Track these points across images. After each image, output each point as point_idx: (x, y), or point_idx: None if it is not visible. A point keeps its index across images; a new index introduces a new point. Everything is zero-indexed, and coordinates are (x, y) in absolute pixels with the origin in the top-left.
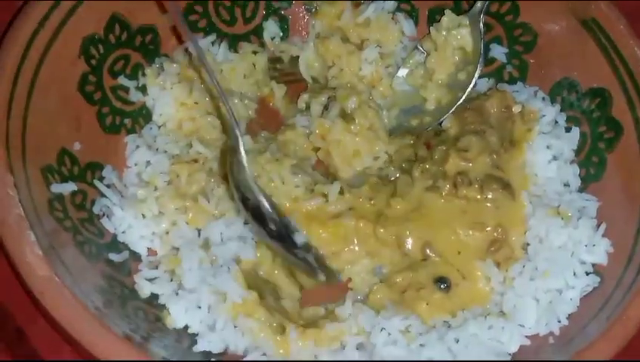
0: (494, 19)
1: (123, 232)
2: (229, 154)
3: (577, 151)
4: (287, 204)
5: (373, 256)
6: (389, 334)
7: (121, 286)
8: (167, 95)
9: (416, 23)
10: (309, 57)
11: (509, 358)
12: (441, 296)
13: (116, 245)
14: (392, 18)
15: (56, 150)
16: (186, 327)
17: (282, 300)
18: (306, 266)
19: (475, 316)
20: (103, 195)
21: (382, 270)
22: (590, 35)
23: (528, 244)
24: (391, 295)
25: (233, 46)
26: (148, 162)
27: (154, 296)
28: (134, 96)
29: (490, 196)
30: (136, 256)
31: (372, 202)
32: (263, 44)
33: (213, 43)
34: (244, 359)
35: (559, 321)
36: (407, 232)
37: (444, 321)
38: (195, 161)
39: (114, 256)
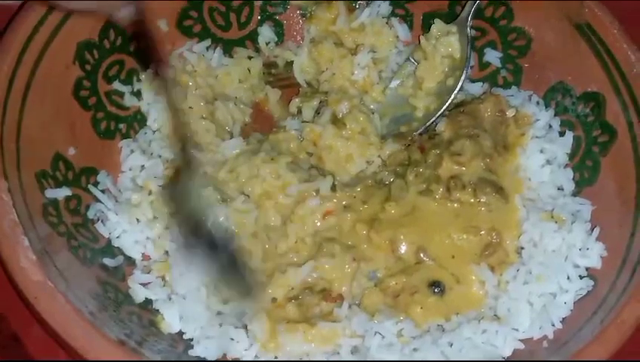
0: (488, 23)
1: (117, 237)
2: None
3: (571, 155)
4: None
5: (367, 259)
6: (383, 337)
7: (115, 291)
8: (161, 100)
9: (410, 28)
10: (304, 62)
11: None
12: (435, 300)
13: (110, 250)
14: (387, 23)
15: (50, 155)
16: (181, 332)
17: None
18: (241, 287)
19: (469, 320)
20: (97, 200)
21: (376, 274)
22: (584, 40)
23: (522, 248)
24: (385, 299)
25: (228, 51)
26: (142, 167)
27: (148, 301)
28: (129, 101)
29: (483, 200)
30: (130, 261)
31: (365, 206)
32: (257, 49)
33: (208, 48)
34: (243, 359)
35: (553, 325)
36: (401, 236)
37: (438, 325)
38: None
39: (108, 261)
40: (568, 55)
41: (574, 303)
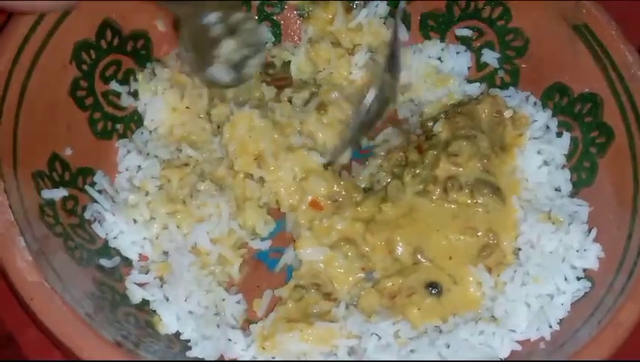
0: (486, 24)
1: (114, 238)
2: None
3: (569, 156)
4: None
5: (365, 260)
6: (380, 338)
7: (112, 291)
8: (158, 100)
9: (408, 28)
10: (301, 62)
11: None
12: (432, 301)
13: (107, 251)
14: (384, 23)
15: (47, 155)
16: (178, 333)
17: None
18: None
19: (466, 321)
20: (94, 201)
21: (373, 275)
22: (582, 41)
23: (519, 249)
24: (381, 300)
25: None
26: (139, 167)
27: (145, 302)
28: (126, 101)
29: (480, 201)
30: (127, 262)
31: (358, 209)
32: None
33: None
34: (242, 359)
35: (550, 326)
36: (398, 237)
37: (435, 326)
38: (186, 165)
39: (105, 262)
40: (566, 56)
41: (571, 304)
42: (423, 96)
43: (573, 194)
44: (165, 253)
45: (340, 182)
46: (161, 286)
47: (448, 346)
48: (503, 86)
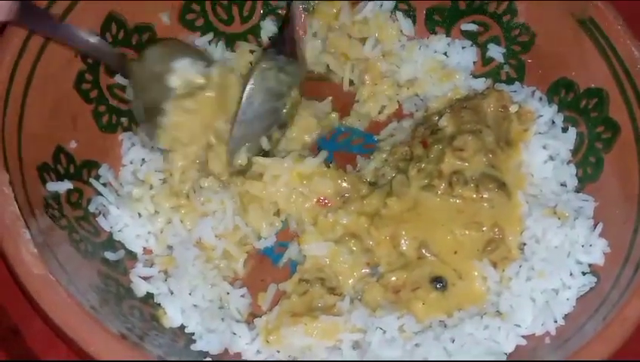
0: (492, 19)
1: (119, 231)
2: None
3: (574, 152)
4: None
5: (370, 255)
6: (384, 332)
7: (116, 284)
8: None
9: (414, 23)
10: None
11: (505, 358)
12: (437, 296)
13: (112, 244)
14: (391, 16)
15: (52, 148)
16: (183, 327)
17: None
18: None
19: (471, 316)
20: (98, 194)
21: (378, 269)
22: (588, 36)
23: (525, 244)
24: (386, 294)
25: (230, 45)
26: (143, 160)
27: (150, 295)
28: (131, 94)
29: (486, 196)
30: (131, 255)
31: (364, 202)
32: (260, 44)
33: (210, 42)
34: (244, 359)
35: (556, 321)
36: (403, 232)
37: (440, 321)
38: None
39: (109, 255)
40: (572, 51)
41: (577, 300)
42: (429, 91)
43: (578, 189)
44: (170, 247)
45: (344, 178)
46: (166, 280)
47: (453, 341)
48: (509, 81)
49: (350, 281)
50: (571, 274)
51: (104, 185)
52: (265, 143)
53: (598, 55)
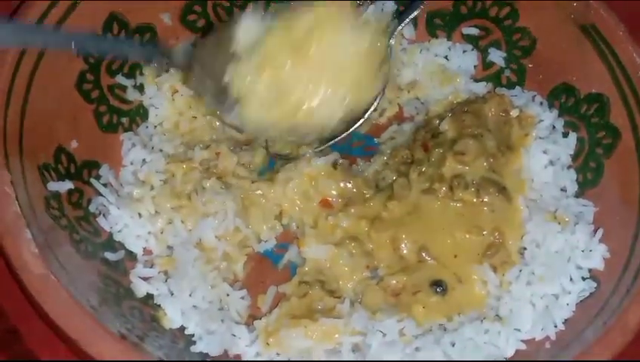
0: (493, 23)
1: (119, 231)
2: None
3: (575, 157)
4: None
5: (370, 258)
6: (384, 336)
7: (116, 285)
8: (164, 94)
9: (415, 27)
10: None
11: None
12: (437, 300)
13: (112, 244)
14: (392, 20)
15: (53, 148)
16: (183, 328)
17: None
18: None
19: (471, 320)
20: (99, 194)
21: (378, 272)
22: (589, 41)
23: (525, 249)
24: (386, 297)
25: None
26: (144, 161)
27: (149, 296)
28: (132, 95)
29: (486, 200)
30: (132, 256)
31: (369, 204)
32: None
33: None
34: (243, 361)
35: (555, 326)
36: (403, 235)
37: (440, 325)
38: (191, 159)
39: (110, 255)
40: (573, 56)
41: (577, 305)
42: (429, 95)
43: (578, 195)
44: (170, 248)
45: (350, 180)
46: (166, 281)
47: (453, 345)
48: (510, 85)
49: (350, 284)
50: (571, 279)
51: (105, 185)
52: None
53: (599, 60)
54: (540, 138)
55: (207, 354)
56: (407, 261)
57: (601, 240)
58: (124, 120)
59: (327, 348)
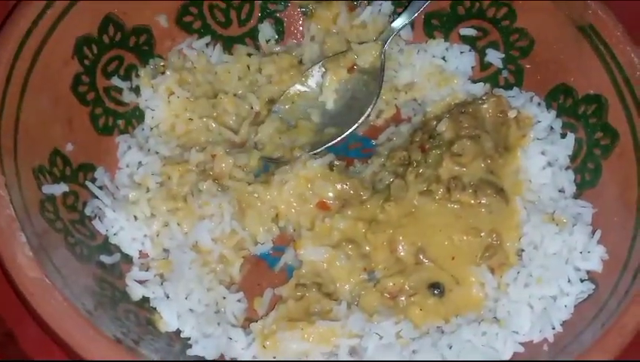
0: (491, 24)
1: (115, 234)
2: None
3: (573, 158)
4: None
5: (367, 260)
6: (381, 338)
7: (112, 288)
8: (160, 96)
9: (412, 27)
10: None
11: None
12: (434, 302)
13: (107, 247)
14: (389, 21)
15: (48, 151)
16: (179, 331)
17: None
18: None
19: (468, 322)
20: (94, 197)
21: (375, 274)
22: (587, 41)
23: (523, 250)
24: (383, 299)
25: (228, 48)
26: (139, 163)
27: (145, 299)
28: (127, 97)
29: (484, 201)
30: (127, 259)
31: (366, 206)
32: (257, 47)
33: (207, 45)
34: (240, 360)
35: (553, 328)
36: (400, 237)
37: (438, 327)
38: (187, 161)
39: (105, 258)
40: (571, 57)
41: (575, 306)
42: (427, 96)
43: (577, 196)
44: (166, 251)
45: (347, 182)
46: (162, 284)
47: (451, 347)
48: (507, 86)
49: (347, 286)
50: (569, 281)
51: (100, 188)
52: None
53: (597, 61)
54: (538, 139)
55: (203, 358)
56: (404, 263)
57: (599, 242)
58: (120, 122)
59: (324, 350)
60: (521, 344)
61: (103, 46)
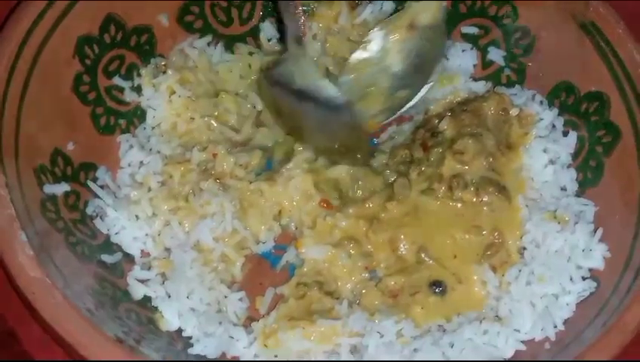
0: (492, 22)
1: (116, 233)
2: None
3: (575, 155)
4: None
5: (369, 259)
6: (382, 337)
7: (113, 287)
8: (161, 96)
9: None
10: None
11: None
12: (436, 300)
13: (109, 246)
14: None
15: (49, 150)
16: (180, 330)
17: None
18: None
19: (470, 320)
20: (96, 196)
21: (377, 273)
22: (589, 39)
23: (525, 249)
24: (384, 298)
25: (229, 47)
26: (141, 163)
27: (147, 298)
28: (129, 96)
29: (486, 199)
30: (129, 258)
31: (368, 205)
32: (259, 46)
33: (209, 44)
34: (242, 359)
35: (555, 326)
36: (402, 236)
37: (439, 325)
38: (189, 160)
39: (107, 258)
40: (572, 54)
41: (577, 305)
42: (429, 94)
43: (579, 194)
44: (167, 250)
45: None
46: (163, 283)
47: (452, 346)
48: (509, 84)
49: (348, 285)
50: (571, 279)
51: (101, 187)
52: None
53: (599, 58)
54: (540, 137)
55: (204, 357)
56: (405, 261)
57: (601, 240)
58: (122, 121)
59: (326, 349)
60: (523, 342)
61: (104, 45)
